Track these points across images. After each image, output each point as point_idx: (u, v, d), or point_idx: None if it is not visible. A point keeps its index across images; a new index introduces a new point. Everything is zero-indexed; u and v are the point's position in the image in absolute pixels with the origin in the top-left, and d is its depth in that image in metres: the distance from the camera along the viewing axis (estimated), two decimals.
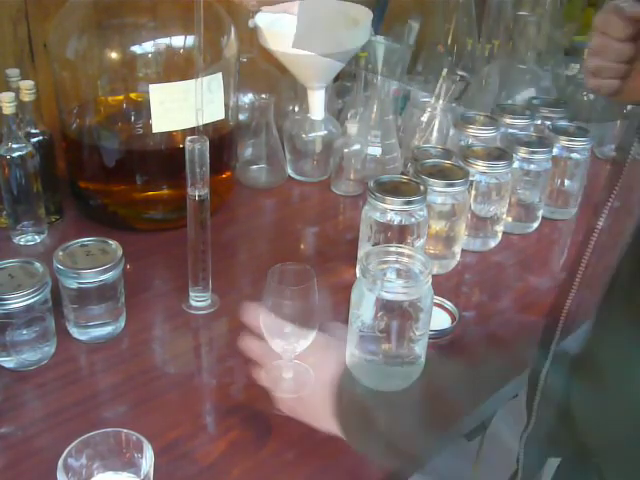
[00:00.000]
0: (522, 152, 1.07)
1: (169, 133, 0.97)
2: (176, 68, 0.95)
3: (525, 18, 1.37)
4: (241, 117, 1.19)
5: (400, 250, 0.77)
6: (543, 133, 1.18)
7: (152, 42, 0.94)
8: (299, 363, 0.74)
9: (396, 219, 0.89)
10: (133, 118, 1.03)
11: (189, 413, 0.72)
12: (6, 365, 0.76)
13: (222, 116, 1.00)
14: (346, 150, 1.18)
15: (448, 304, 0.90)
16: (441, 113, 1.21)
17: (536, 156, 1.07)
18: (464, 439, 0.88)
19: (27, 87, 0.95)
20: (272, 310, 0.69)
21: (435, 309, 0.85)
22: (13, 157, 0.93)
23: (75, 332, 0.81)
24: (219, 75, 0.97)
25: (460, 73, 1.42)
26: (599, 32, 0.64)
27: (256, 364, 0.70)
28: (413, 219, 0.90)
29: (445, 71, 1.20)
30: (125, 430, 0.57)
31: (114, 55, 0.94)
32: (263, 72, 1.26)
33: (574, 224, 1.18)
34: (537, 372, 0.68)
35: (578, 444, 0.64)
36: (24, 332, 0.74)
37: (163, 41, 0.95)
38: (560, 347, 0.65)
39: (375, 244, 0.90)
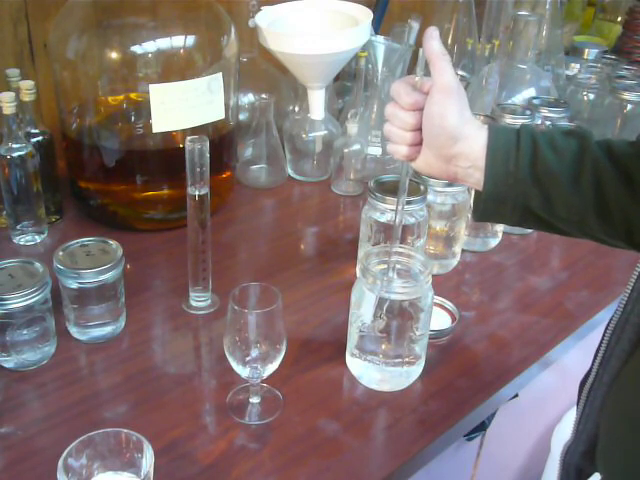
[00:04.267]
0: None
1: (169, 133, 0.98)
2: (176, 68, 0.95)
3: (525, 18, 1.37)
4: (241, 117, 1.19)
5: (400, 250, 0.77)
6: None
7: (152, 42, 0.94)
8: (267, 387, 0.74)
9: None
10: (133, 118, 1.03)
11: (189, 413, 0.72)
12: (6, 365, 0.76)
13: (222, 116, 1.00)
14: (346, 150, 1.18)
15: (448, 304, 0.91)
16: None
17: None
18: (464, 439, 0.88)
19: (27, 87, 0.95)
20: (234, 335, 0.67)
21: (435, 309, 0.85)
22: (13, 157, 0.93)
23: (75, 332, 0.81)
24: (219, 75, 0.97)
25: (460, 73, 1.42)
26: (391, 99, 0.68)
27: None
28: (413, 219, 0.90)
29: None
30: (125, 430, 0.57)
31: (114, 55, 0.94)
32: (263, 72, 1.26)
33: None
34: (582, 383, 0.66)
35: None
36: (24, 332, 0.74)
37: (163, 41, 0.95)
38: (605, 361, 0.62)
39: (375, 244, 0.90)
